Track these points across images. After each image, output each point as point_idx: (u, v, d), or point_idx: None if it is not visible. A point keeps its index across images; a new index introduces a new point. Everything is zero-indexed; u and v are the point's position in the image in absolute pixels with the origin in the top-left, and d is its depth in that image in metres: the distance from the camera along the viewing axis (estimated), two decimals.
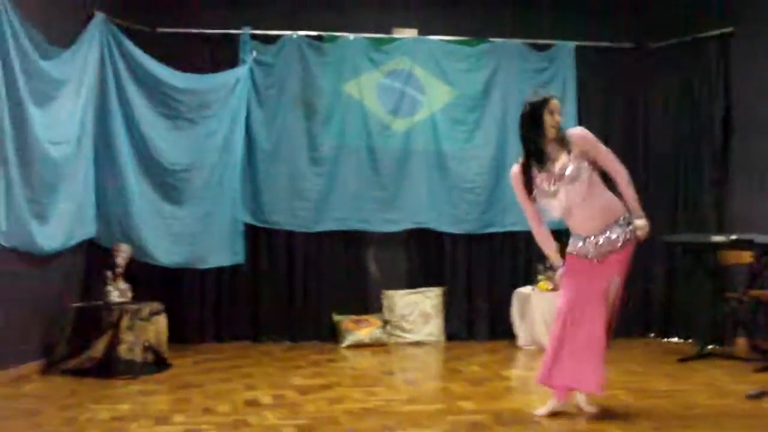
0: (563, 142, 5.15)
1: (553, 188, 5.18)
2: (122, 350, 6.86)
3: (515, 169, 5.33)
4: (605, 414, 5.35)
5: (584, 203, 5.15)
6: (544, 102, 5.16)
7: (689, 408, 5.63)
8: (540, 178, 5.22)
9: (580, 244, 5.28)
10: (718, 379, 6.74)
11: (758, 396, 5.85)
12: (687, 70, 9.14)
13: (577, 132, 5.25)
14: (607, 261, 5.19)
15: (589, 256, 5.24)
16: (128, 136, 8.20)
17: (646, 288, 9.37)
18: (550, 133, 5.16)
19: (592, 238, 5.22)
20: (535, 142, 5.18)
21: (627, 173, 5.26)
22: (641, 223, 5.19)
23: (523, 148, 5.28)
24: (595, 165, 5.20)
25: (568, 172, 5.12)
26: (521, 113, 5.26)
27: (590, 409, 5.39)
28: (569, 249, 5.36)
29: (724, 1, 8.83)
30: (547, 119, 5.15)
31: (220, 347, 8.50)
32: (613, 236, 5.17)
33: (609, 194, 5.28)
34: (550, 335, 5.51)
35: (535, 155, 5.20)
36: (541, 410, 5.38)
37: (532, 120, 5.17)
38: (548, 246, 5.44)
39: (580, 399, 5.46)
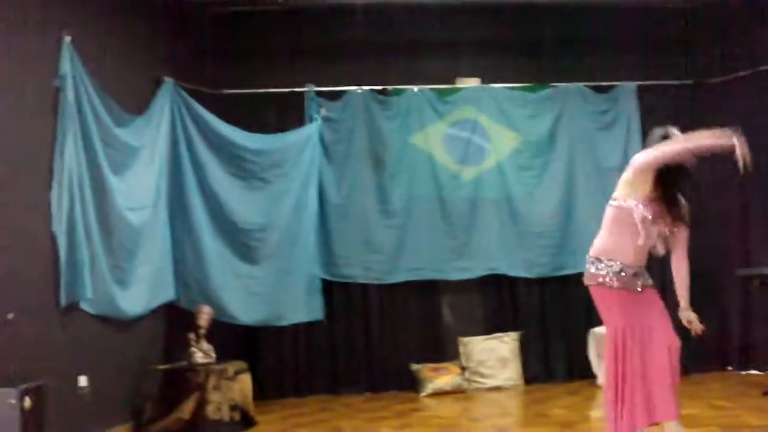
0: None
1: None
2: (210, 410, 6.89)
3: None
4: None
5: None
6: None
7: None
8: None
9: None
10: None
11: None
12: (748, 103, 9.04)
13: None
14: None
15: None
16: (202, 199, 8.31)
17: (721, 321, 9.23)
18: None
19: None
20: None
21: None
22: None
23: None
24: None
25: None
26: None
27: None
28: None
29: None
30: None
31: (302, 402, 8.50)
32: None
33: None
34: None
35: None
36: None
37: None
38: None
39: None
